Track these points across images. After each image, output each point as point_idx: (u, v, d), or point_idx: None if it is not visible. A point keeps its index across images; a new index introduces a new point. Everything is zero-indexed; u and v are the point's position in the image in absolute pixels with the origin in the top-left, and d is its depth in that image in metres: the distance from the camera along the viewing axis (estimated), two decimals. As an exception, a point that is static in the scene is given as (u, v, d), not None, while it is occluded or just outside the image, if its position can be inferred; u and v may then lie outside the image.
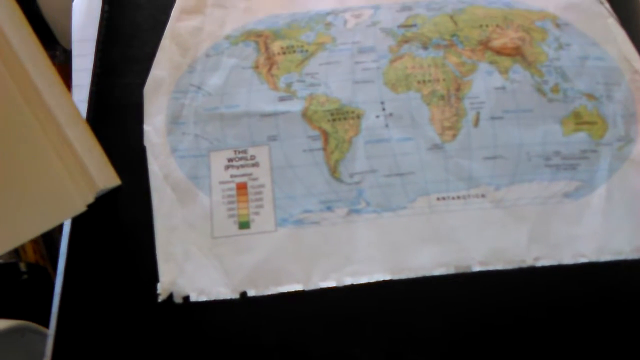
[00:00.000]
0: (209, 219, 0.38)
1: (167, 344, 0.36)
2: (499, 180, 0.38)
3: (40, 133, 0.34)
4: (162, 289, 0.36)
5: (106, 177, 0.37)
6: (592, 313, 0.36)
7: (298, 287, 0.36)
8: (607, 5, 0.44)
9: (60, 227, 0.39)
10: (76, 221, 0.39)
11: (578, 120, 0.40)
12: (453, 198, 0.38)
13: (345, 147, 0.39)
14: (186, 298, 0.36)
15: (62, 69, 0.57)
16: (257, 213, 0.38)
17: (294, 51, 0.42)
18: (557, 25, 0.43)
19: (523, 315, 0.36)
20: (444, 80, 0.41)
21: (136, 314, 0.36)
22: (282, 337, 0.35)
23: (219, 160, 0.39)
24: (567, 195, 0.38)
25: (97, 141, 0.37)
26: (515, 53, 0.42)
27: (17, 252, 0.52)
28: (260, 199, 0.38)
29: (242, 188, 0.39)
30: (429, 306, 0.36)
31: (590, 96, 0.40)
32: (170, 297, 0.36)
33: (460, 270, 0.36)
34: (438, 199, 0.38)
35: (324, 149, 0.39)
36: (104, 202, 0.38)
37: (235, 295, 0.36)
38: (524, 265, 0.36)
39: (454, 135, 0.39)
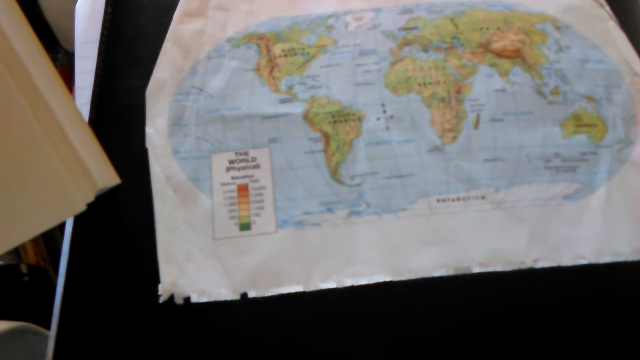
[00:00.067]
0: (210, 220, 0.38)
1: (168, 345, 0.36)
2: (499, 182, 0.38)
3: (40, 132, 0.34)
4: (163, 290, 0.37)
5: (106, 176, 0.37)
6: (591, 315, 0.36)
7: (298, 289, 0.36)
8: (607, 8, 0.44)
9: (61, 228, 0.39)
10: (78, 222, 0.39)
11: (578, 122, 0.40)
12: (453, 200, 0.38)
13: (346, 149, 0.39)
14: (187, 299, 0.36)
15: (64, 71, 0.58)
16: (258, 215, 0.38)
17: (295, 54, 0.42)
18: (557, 28, 0.43)
19: (523, 316, 0.36)
20: (444, 82, 0.41)
21: (137, 315, 0.36)
22: (282, 338, 0.36)
23: (220, 162, 0.40)
24: (566, 197, 0.38)
25: (96, 140, 0.37)
26: (516, 55, 0.42)
27: (18, 253, 0.52)
28: (261, 201, 0.38)
29: (243, 190, 0.39)
30: (429, 307, 0.36)
31: (590, 99, 0.41)
32: (171, 298, 0.36)
33: (460, 272, 0.37)
34: (438, 200, 0.38)
35: (325, 151, 0.39)
36: (104, 203, 0.38)
37: (236, 297, 0.36)
38: (524, 266, 0.36)
39: (454, 138, 0.39)
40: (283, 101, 0.41)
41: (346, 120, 0.40)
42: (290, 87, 0.41)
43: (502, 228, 0.37)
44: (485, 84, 0.41)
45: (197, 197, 0.39)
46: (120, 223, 0.39)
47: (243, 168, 0.39)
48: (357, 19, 0.44)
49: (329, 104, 0.41)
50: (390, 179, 0.39)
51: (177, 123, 0.41)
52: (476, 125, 0.40)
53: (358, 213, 0.38)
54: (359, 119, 0.40)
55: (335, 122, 0.40)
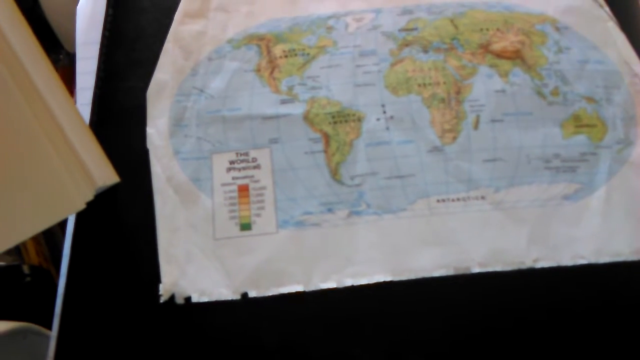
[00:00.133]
0: (211, 220, 0.38)
1: (169, 345, 0.36)
2: (499, 183, 0.38)
3: (39, 131, 0.34)
4: (164, 290, 0.37)
5: (105, 175, 0.37)
6: (591, 315, 0.36)
7: (299, 288, 0.37)
8: (607, 8, 0.44)
9: (63, 229, 0.39)
10: (79, 222, 0.39)
11: (578, 123, 0.40)
12: (453, 200, 0.38)
13: (346, 149, 0.40)
14: (188, 299, 0.37)
15: (66, 72, 0.58)
16: (258, 215, 0.38)
17: (296, 54, 0.42)
18: (557, 29, 0.43)
19: (522, 316, 0.36)
20: (444, 83, 0.41)
21: (138, 315, 0.37)
22: (283, 338, 0.36)
23: (221, 163, 0.40)
24: (566, 197, 0.38)
25: (95, 139, 0.37)
26: (515, 56, 0.42)
27: (20, 254, 0.52)
28: (262, 201, 0.39)
29: (243, 190, 0.39)
30: (429, 307, 0.36)
31: (590, 99, 0.41)
32: (172, 298, 0.37)
33: (460, 272, 0.37)
34: (438, 201, 0.38)
35: (325, 152, 0.40)
36: (105, 203, 0.38)
37: (237, 296, 0.37)
38: (523, 266, 0.37)
39: (454, 138, 0.39)
40: (283, 102, 0.41)
41: (346, 121, 0.40)
42: (290, 88, 0.41)
43: (501, 228, 0.37)
44: (485, 85, 0.41)
45: (197, 197, 0.39)
46: (121, 223, 0.39)
47: (244, 168, 0.39)
48: (357, 20, 0.44)
49: (329, 104, 0.41)
50: (390, 179, 0.39)
51: (178, 124, 0.41)
52: (476, 125, 0.40)
53: (358, 213, 0.38)
54: (359, 120, 0.40)
55: (335, 122, 0.40)
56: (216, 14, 0.45)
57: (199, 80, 0.42)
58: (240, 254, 0.37)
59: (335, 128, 0.40)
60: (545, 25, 0.43)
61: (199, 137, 0.40)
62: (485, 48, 0.42)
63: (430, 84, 0.41)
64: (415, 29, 0.43)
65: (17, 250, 0.52)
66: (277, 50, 0.43)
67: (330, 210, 0.38)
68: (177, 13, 0.44)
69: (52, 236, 0.55)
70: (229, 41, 0.43)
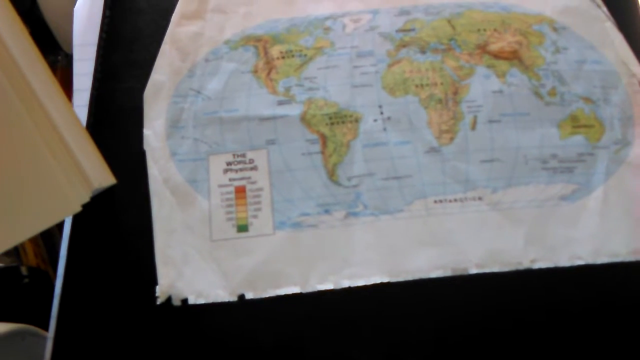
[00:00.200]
0: (208, 222, 0.38)
1: (166, 346, 0.36)
2: (496, 183, 0.38)
3: (35, 133, 0.34)
4: (161, 291, 0.37)
5: (101, 176, 0.37)
6: (588, 315, 0.36)
7: (296, 290, 0.37)
8: (605, 9, 0.44)
9: (61, 230, 0.39)
10: (76, 224, 0.39)
11: (575, 123, 0.40)
12: (450, 201, 0.38)
13: (343, 150, 0.39)
14: (185, 301, 0.36)
15: (64, 73, 0.58)
16: (255, 216, 0.38)
17: (293, 56, 0.42)
18: (555, 29, 0.43)
19: (520, 317, 0.36)
20: (441, 84, 0.41)
21: (135, 316, 0.37)
22: (279, 339, 0.36)
23: (218, 164, 0.40)
24: (563, 198, 0.38)
25: (92, 140, 0.37)
26: (513, 57, 0.42)
27: (18, 255, 0.52)
28: (259, 203, 0.39)
29: (240, 191, 0.39)
30: (426, 308, 0.36)
31: (588, 99, 0.41)
32: (169, 299, 0.37)
33: (457, 273, 0.37)
34: (435, 201, 0.38)
35: (322, 153, 0.39)
36: (102, 205, 0.38)
37: (234, 298, 0.37)
38: (521, 267, 0.36)
39: (452, 139, 0.39)
40: (280, 103, 0.41)
41: (343, 122, 0.40)
42: (287, 89, 0.41)
43: (499, 229, 0.37)
44: (482, 85, 0.41)
45: (194, 199, 0.39)
46: (118, 225, 0.39)
47: (240, 170, 0.39)
48: (354, 20, 0.44)
49: (327, 105, 0.41)
50: (387, 180, 0.39)
51: (174, 125, 0.41)
52: (473, 126, 0.40)
53: (355, 214, 0.38)
54: (356, 121, 0.40)
55: (332, 123, 0.40)
56: (213, 15, 0.44)
57: (196, 81, 0.42)
58: (237, 256, 0.37)
59: (332, 129, 0.40)
60: (543, 26, 0.43)
61: (195, 138, 0.40)
62: (482, 48, 0.42)
63: (427, 85, 0.41)
64: (413, 29, 0.43)
65: (16, 252, 0.52)
66: (275, 51, 0.43)
67: (327, 212, 0.38)
68: (174, 14, 0.44)
69: (50, 238, 0.55)
70: (226, 42, 0.43)
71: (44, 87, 0.35)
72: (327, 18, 0.44)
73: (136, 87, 0.42)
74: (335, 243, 0.37)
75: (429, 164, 0.39)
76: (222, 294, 0.37)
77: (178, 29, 0.44)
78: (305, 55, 0.42)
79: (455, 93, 0.41)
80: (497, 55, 0.42)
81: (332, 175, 0.39)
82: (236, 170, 0.39)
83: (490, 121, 0.40)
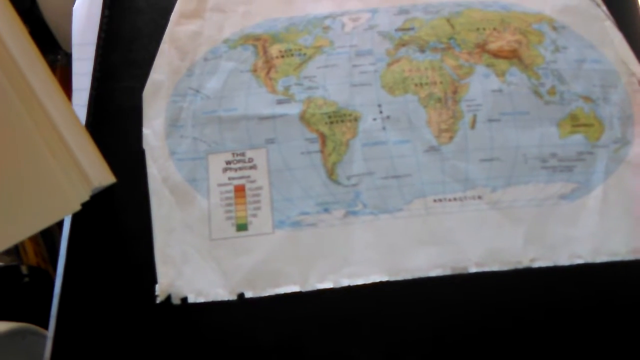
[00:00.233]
0: (207, 221, 0.38)
1: (166, 345, 0.36)
2: (495, 182, 0.38)
3: (35, 132, 0.34)
4: (161, 290, 0.37)
5: (101, 175, 0.37)
6: (588, 314, 0.36)
7: (295, 289, 0.37)
8: (604, 8, 0.44)
9: (62, 229, 0.39)
10: (75, 223, 0.39)
11: (574, 122, 0.40)
12: (449, 200, 0.38)
13: (342, 149, 0.39)
14: (184, 299, 0.37)
15: (64, 72, 0.58)
16: (254, 215, 0.38)
17: (292, 55, 0.42)
18: (554, 28, 0.43)
19: (519, 316, 0.36)
20: (441, 83, 0.41)
21: (135, 315, 0.37)
22: (279, 338, 0.36)
23: (217, 163, 0.40)
24: (563, 197, 0.38)
25: (91, 139, 0.37)
26: (512, 56, 0.42)
27: (18, 254, 0.52)
28: (258, 201, 0.39)
29: (240, 190, 0.39)
30: (425, 307, 0.36)
31: (587, 98, 0.41)
32: (169, 298, 0.37)
33: (457, 272, 0.37)
34: (434, 200, 0.38)
35: (322, 152, 0.39)
36: (101, 204, 0.38)
37: (233, 297, 0.37)
38: (520, 266, 0.36)
39: (451, 138, 0.39)
40: (280, 102, 0.41)
41: (342, 121, 0.40)
42: (287, 88, 0.41)
43: (498, 228, 0.37)
44: (482, 84, 0.41)
45: (193, 198, 0.39)
46: (118, 224, 0.39)
47: (240, 169, 0.39)
48: (353, 19, 0.44)
49: (326, 104, 0.41)
50: (386, 179, 0.39)
51: (174, 124, 0.41)
52: (473, 125, 0.40)
53: (354, 213, 0.38)
54: (356, 120, 0.40)
55: (331, 122, 0.40)
56: (212, 14, 0.44)
57: (195, 80, 0.42)
58: (236, 255, 0.37)
59: (331, 128, 0.40)
60: (542, 25, 0.43)
61: (195, 137, 0.40)
62: (482, 47, 0.42)
63: (426, 84, 0.41)
64: (412, 28, 0.43)
65: (16, 251, 0.52)
66: (274, 50, 0.43)
67: (326, 211, 0.38)
68: (173, 13, 0.44)
69: (50, 236, 0.55)
70: (225, 41, 0.43)
71: (43, 86, 0.35)
72: (326, 17, 0.44)
73: (135, 86, 0.42)
74: (335, 242, 0.37)
75: (429, 163, 0.39)
76: (222, 293, 0.37)
77: (177, 28, 0.44)
78: (305, 54, 0.42)
79: (455, 92, 0.41)
80: (496, 54, 0.42)
81: (331, 174, 0.39)
82: (235, 169, 0.39)
83: (490, 120, 0.40)
